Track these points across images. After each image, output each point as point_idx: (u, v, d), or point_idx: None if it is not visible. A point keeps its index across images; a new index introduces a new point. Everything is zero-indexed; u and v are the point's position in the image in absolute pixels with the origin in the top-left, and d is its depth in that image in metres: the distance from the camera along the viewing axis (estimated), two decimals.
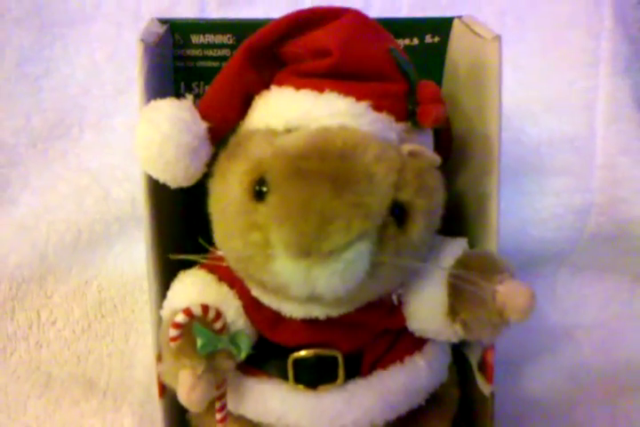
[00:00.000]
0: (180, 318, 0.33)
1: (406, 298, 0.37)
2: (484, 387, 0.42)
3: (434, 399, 0.41)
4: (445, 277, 0.36)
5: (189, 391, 0.33)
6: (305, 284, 0.30)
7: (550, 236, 0.63)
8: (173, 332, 0.33)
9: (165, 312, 0.37)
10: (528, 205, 0.63)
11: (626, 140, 0.61)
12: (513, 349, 0.60)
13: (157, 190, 0.38)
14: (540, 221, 0.63)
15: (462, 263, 0.36)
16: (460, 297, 0.35)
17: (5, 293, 0.61)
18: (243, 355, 0.35)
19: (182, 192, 0.36)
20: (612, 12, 0.61)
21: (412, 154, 0.32)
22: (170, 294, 0.38)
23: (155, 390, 0.54)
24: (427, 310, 0.36)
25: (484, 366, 0.42)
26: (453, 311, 0.35)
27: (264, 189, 0.31)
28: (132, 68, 0.59)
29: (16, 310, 0.61)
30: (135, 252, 0.62)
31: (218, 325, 0.34)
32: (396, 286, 0.36)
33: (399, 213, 0.31)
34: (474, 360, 0.43)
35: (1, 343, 0.60)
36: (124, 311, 0.62)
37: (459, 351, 0.44)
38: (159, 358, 0.36)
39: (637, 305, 0.67)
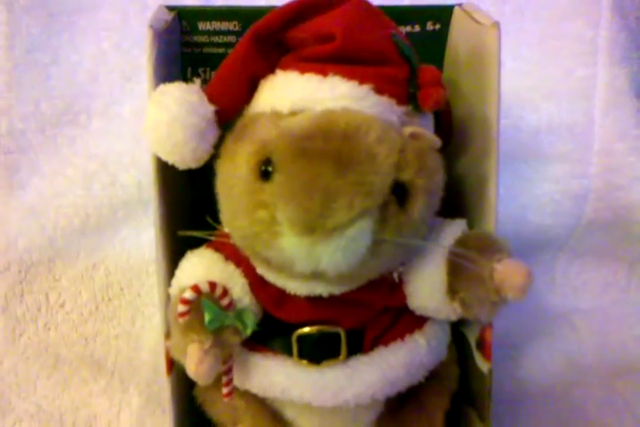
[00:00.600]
0: (189, 294, 0.34)
1: (406, 277, 0.38)
2: (482, 364, 0.43)
3: (434, 377, 0.42)
4: (445, 257, 0.36)
5: (197, 365, 0.34)
6: (309, 260, 0.31)
7: (549, 221, 0.64)
8: (182, 308, 0.34)
9: (174, 290, 0.38)
10: (527, 191, 0.63)
11: (623, 128, 0.62)
12: (512, 332, 0.62)
13: (165, 172, 0.39)
14: (539, 206, 0.64)
15: (462, 243, 0.37)
16: (458, 276, 0.36)
17: (14, 276, 0.62)
18: (248, 331, 0.36)
19: (189, 175, 0.37)
20: (610, 2, 0.62)
21: (412, 136, 0.33)
22: (178, 272, 0.39)
23: (161, 370, 0.56)
24: (426, 288, 0.37)
25: (482, 345, 0.42)
26: (452, 290, 0.36)
27: (270, 169, 0.32)
28: (138, 55, 0.61)
29: (25, 292, 0.62)
30: (142, 236, 0.63)
31: (224, 301, 0.35)
32: (396, 265, 0.37)
33: (400, 193, 0.32)
34: (472, 339, 0.44)
35: (10, 325, 0.62)
36: (131, 294, 0.64)
37: (458, 331, 0.45)
38: (167, 336, 0.37)
39: (634, 291, 0.68)
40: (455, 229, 0.38)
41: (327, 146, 0.30)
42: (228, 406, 0.42)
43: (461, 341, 0.45)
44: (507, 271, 0.34)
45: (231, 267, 0.38)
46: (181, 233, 0.36)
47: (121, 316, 0.63)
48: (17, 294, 0.62)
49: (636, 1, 0.64)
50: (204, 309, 0.34)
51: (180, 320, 0.34)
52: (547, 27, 0.63)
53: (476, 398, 0.44)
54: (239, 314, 0.36)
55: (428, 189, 0.33)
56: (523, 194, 0.64)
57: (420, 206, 0.33)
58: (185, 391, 0.44)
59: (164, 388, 0.53)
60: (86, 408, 0.54)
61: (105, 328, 0.62)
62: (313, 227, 0.29)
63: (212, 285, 0.35)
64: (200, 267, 0.38)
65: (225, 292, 0.36)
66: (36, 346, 0.61)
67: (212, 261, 0.38)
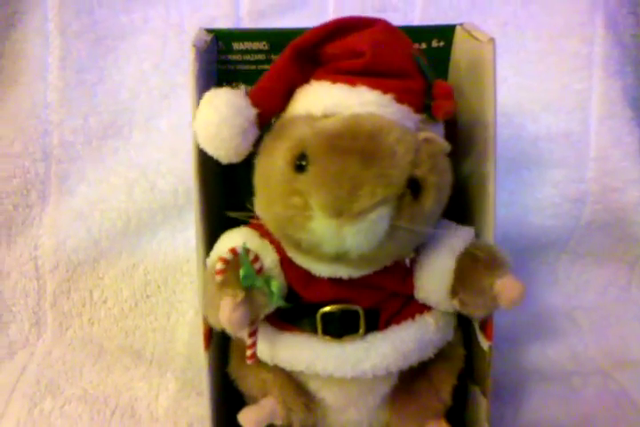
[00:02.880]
0: (227, 254, 0.39)
1: (418, 272, 0.42)
2: (483, 343, 0.46)
3: (442, 356, 0.46)
4: (455, 262, 0.41)
5: (230, 313, 0.37)
6: (336, 240, 0.35)
7: (550, 223, 0.68)
8: (220, 266, 0.38)
9: (212, 257, 0.42)
10: (528, 195, 0.67)
11: (617, 135, 0.66)
12: (518, 327, 0.66)
13: (204, 172, 0.44)
14: (540, 209, 0.67)
15: (471, 250, 0.41)
16: (463, 281, 0.40)
17: (62, 274, 0.66)
18: (274, 298, 0.40)
19: (223, 173, 0.42)
20: (604, 20, 0.66)
21: (426, 140, 0.37)
22: (217, 244, 0.43)
23: (194, 360, 0.61)
24: (433, 285, 0.42)
25: (484, 326, 0.46)
26: (454, 290, 0.41)
27: (304, 162, 0.36)
28: (175, 75, 0.67)
29: (71, 290, 0.67)
30: (177, 238, 0.67)
31: (256, 265, 0.39)
32: (409, 252, 0.41)
33: (414, 187, 0.36)
34: (476, 322, 0.48)
35: (58, 320, 0.66)
36: (167, 292, 0.68)
37: (464, 316, 0.48)
38: (203, 295, 0.41)
39: (635, 290, 0.71)
40: (465, 233, 0.43)
41: (354, 143, 0.35)
42: (257, 381, 0.46)
43: (467, 325, 0.49)
44: (505, 286, 0.39)
45: (266, 242, 0.42)
46: (229, 213, 0.40)
47: (158, 311, 0.67)
48: (64, 291, 0.66)
49: (628, 19, 0.68)
50: (242, 264, 0.38)
51: (218, 277, 0.38)
52: (545, 44, 0.67)
53: (480, 376, 0.48)
54: (267, 281, 0.40)
55: (438, 186, 0.38)
56: (524, 198, 0.67)
57: (431, 199, 0.37)
58: (220, 369, 0.48)
59: (198, 375, 0.58)
60: (128, 392, 0.58)
61: (143, 323, 0.67)
62: (341, 211, 0.34)
63: (247, 250, 0.39)
64: (238, 238, 0.42)
65: (257, 258, 0.40)
66: (81, 338, 0.65)
67: (248, 236, 0.43)
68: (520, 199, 0.67)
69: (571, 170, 0.67)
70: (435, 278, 0.42)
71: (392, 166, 0.35)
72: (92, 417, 0.55)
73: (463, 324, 0.49)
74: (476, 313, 0.42)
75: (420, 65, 0.39)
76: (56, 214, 0.66)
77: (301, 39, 0.40)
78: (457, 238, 0.42)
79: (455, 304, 0.41)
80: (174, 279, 0.68)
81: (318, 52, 0.40)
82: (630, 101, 0.67)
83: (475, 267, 0.40)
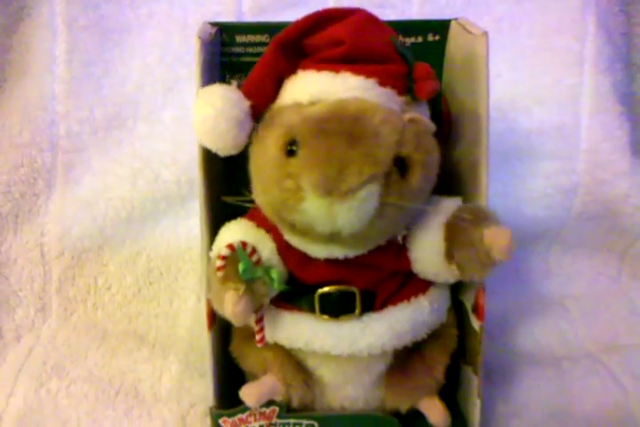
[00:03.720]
0: (225, 251, 0.41)
1: (410, 244, 0.43)
2: (475, 323, 0.48)
3: (436, 336, 0.48)
4: (442, 226, 0.42)
5: (234, 306, 0.39)
6: (328, 219, 0.36)
7: (542, 214, 0.69)
8: (219, 262, 0.40)
9: (214, 252, 0.44)
10: (521, 187, 0.69)
11: (608, 129, 0.67)
12: (510, 314, 0.67)
13: (208, 164, 0.46)
14: (532, 200, 0.69)
15: (458, 213, 0.43)
16: (454, 242, 0.42)
17: (68, 261, 0.68)
18: (275, 285, 0.42)
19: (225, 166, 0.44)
20: (595, 18, 0.68)
21: (411, 120, 0.39)
22: (217, 237, 0.45)
23: (196, 344, 0.62)
24: (428, 253, 0.43)
25: (476, 308, 0.48)
26: (449, 255, 0.42)
27: (294, 147, 0.37)
28: (179, 69, 0.69)
29: (76, 276, 0.68)
30: (179, 227, 0.69)
31: (254, 258, 0.41)
32: (400, 229, 0.42)
33: (401, 165, 0.38)
34: (468, 304, 0.50)
35: (63, 305, 0.68)
36: (169, 278, 0.69)
37: (457, 300, 0.51)
38: (209, 289, 0.43)
39: (624, 280, 0.73)
40: (452, 203, 0.44)
41: (340, 126, 0.36)
42: (258, 359, 0.48)
43: (460, 309, 0.51)
44: (493, 236, 0.40)
45: (262, 232, 0.44)
46: (225, 198, 0.42)
47: (160, 297, 0.69)
48: (69, 278, 0.68)
49: (619, 19, 0.70)
50: (240, 259, 0.40)
51: (219, 273, 0.40)
52: (539, 41, 0.69)
53: (472, 356, 0.50)
54: (267, 270, 0.42)
55: (424, 164, 0.39)
56: (517, 189, 0.69)
57: (418, 177, 0.39)
58: (222, 348, 0.50)
59: (199, 358, 0.59)
60: (132, 373, 0.59)
61: (146, 308, 0.68)
62: (331, 189, 0.35)
63: (244, 244, 0.41)
64: (237, 232, 0.44)
65: (254, 250, 0.42)
66: (85, 323, 0.67)
67: (246, 228, 0.45)
68: (513, 190, 0.69)
69: (562, 162, 0.68)
70: (428, 246, 0.43)
71: (378, 146, 0.37)
72: (97, 397, 0.56)
73: (456, 307, 0.51)
74: (475, 275, 0.43)
75: (400, 50, 0.41)
76: (62, 203, 0.68)
77: (284, 33, 0.41)
78: (445, 207, 0.44)
79: (454, 269, 0.42)
80: (176, 267, 0.69)
81: (302, 45, 0.42)
82: (620, 97, 0.68)
83: (463, 226, 0.41)
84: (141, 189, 0.68)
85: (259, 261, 0.42)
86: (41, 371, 0.59)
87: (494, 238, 0.40)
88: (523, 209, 0.70)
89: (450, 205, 0.44)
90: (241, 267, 0.40)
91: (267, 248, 0.43)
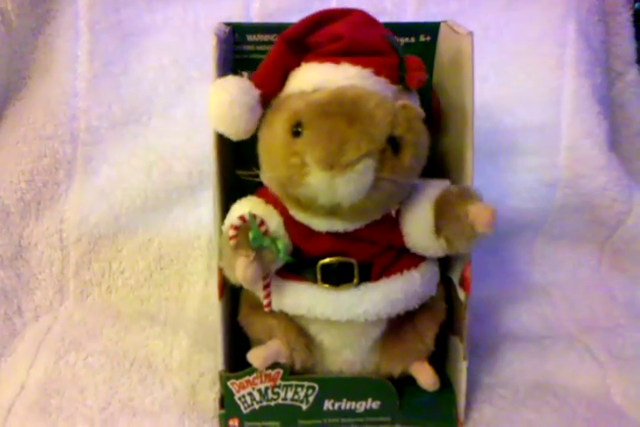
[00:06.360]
0: (236, 221, 0.45)
1: (403, 220, 0.48)
2: (461, 294, 0.52)
3: (426, 307, 0.52)
4: (432, 203, 0.46)
5: (244, 270, 0.43)
6: (329, 191, 0.40)
7: (526, 206, 0.73)
8: (232, 232, 0.44)
9: (226, 224, 0.47)
10: (507, 181, 0.73)
11: (587, 127, 0.72)
12: (495, 300, 0.72)
13: (221, 153, 0.50)
14: (517, 193, 0.73)
15: (446, 192, 0.47)
16: (442, 217, 0.46)
17: (84, 246, 0.71)
18: (281, 255, 0.45)
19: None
20: (576, 27, 0.72)
21: (402, 107, 0.43)
22: (229, 213, 0.49)
23: (204, 324, 0.66)
24: (418, 228, 0.47)
25: (462, 281, 0.52)
26: (438, 230, 0.46)
27: (300, 129, 0.41)
28: (191, 70, 0.73)
29: (92, 260, 0.71)
30: (189, 216, 0.73)
31: (262, 229, 0.46)
32: (394, 203, 0.47)
33: (394, 144, 0.42)
34: (456, 279, 0.54)
35: (79, 288, 0.71)
36: (179, 264, 0.73)
37: (446, 277, 0.55)
38: (221, 258, 0.48)
39: (604, 269, 0.77)
40: (441, 183, 0.49)
41: (340, 108, 0.41)
42: (264, 326, 0.52)
43: (449, 285, 0.55)
44: (477, 211, 0.43)
45: (270, 207, 0.48)
46: (239, 172, 0.47)
47: (170, 282, 0.72)
48: (85, 262, 0.71)
49: (598, 29, 0.75)
50: (251, 228, 0.44)
51: (231, 242, 0.44)
52: (523, 47, 0.73)
53: (458, 327, 0.54)
54: (273, 240, 0.46)
55: (415, 144, 0.43)
56: (503, 183, 0.73)
57: (409, 155, 0.43)
58: (230, 323, 0.54)
59: (208, 335, 0.63)
60: (144, 348, 0.63)
61: (157, 292, 0.72)
62: (332, 163, 0.39)
63: (253, 215, 0.45)
64: (246, 206, 0.48)
65: (262, 222, 0.46)
66: (100, 305, 0.70)
67: (255, 203, 0.49)
68: (499, 184, 0.73)
69: (545, 158, 0.72)
70: (419, 221, 0.47)
71: (373, 125, 0.41)
72: (113, 367, 0.60)
73: (445, 284, 0.55)
74: (461, 247, 0.46)
75: (392, 43, 0.45)
76: (81, 192, 0.71)
77: (289, 31, 0.46)
78: (434, 187, 0.48)
79: (442, 243, 0.46)
80: (186, 253, 0.73)
81: (305, 41, 0.46)
82: (599, 98, 0.73)
83: (449, 202, 0.46)
84: (155, 180, 0.71)
85: (267, 232, 0.46)
86: (59, 346, 0.63)
87: (478, 214, 0.43)
88: (508, 202, 0.73)
89: (439, 184, 0.49)
90: (251, 235, 0.45)
91: (274, 222, 0.47)
